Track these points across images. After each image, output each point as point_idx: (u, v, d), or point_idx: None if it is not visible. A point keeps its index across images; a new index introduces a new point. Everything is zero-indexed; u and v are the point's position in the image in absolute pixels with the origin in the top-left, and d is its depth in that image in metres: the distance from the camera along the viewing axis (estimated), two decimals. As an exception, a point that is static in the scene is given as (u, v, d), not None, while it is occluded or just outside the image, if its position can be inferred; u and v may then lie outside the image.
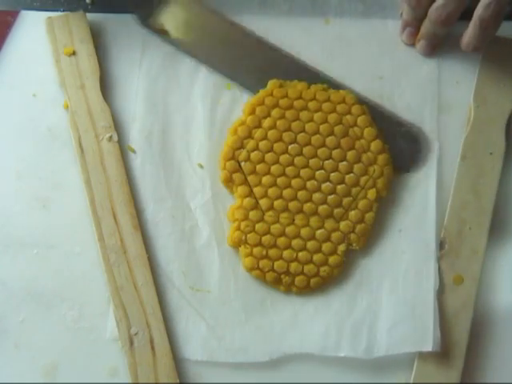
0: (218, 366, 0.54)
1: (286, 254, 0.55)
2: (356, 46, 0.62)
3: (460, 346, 0.54)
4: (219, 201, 0.57)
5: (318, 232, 0.55)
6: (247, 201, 0.56)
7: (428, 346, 0.53)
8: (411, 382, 0.53)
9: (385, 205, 0.57)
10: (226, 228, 0.56)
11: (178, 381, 0.52)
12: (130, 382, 0.52)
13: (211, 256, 0.56)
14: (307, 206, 0.56)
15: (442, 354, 0.53)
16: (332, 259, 0.55)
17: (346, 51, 0.62)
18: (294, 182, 0.56)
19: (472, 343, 0.54)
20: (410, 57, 0.61)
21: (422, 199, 0.57)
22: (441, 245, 0.56)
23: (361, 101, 0.58)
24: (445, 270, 0.56)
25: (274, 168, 0.56)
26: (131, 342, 0.53)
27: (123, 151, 0.58)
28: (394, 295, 0.55)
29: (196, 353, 0.54)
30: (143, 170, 0.58)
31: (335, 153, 0.56)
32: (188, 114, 0.60)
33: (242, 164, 0.56)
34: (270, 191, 0.56)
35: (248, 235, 0.55)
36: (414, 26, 0.60)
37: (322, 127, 0.57)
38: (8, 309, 0.54)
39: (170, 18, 0.62)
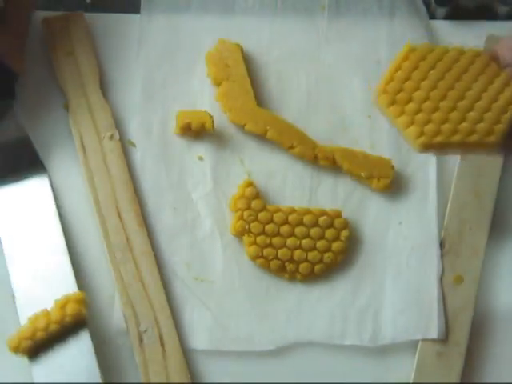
0: (224, 356, 0.54)
1: (290, 241, 0.55)
2: (352, 30, 0.62)
3: (460, 345, 0.54)
4: (220, 191, 0.57)
5: (321, 219, 0.56)
6: (249, 190, 0.56)
7: (433, 334, 0.54)
8: (411, 381, 0.53)
9: (385, 200, 0.58)
10: (228, 218, 0.57)
11: (188, 376, 0.53)
12: (141, 378, 0.52)
13: (214, 246, 0.56)
14: None
15: (442, 353, 0.54)
16: (335, 245, 0.55)
17: (342, 36, 0.62)
18: None
19: (472, 343, 0.54)
20: (405, 41, 0.61)
21: (423, 191, 0.58)
22: (441, 245, 0.56)
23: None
24: (445, 269, 0.56)
25: None
26: (141, 339, 0.53)
27: (124, 148, 0.58)
28: (397, 283, 0.56)
29: (202, 343, 0.54)
30: (144, 163, 0.58)
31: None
32: (186, 106, 0.60)
33: None
34: None
35: (251, 224, 0.55)
36: None
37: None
38: (8, 308, 0.54)
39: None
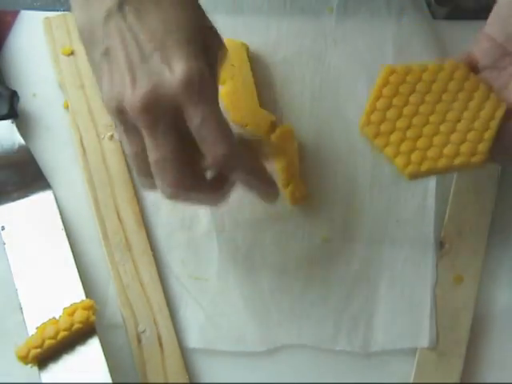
0: (215, 355, 0.54)
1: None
2: (359, 32, 0.62)
3: (460, 345, 0.54)
4: None
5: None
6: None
7: (424, 342, 0.53)
8: (411, 381, 0.53)
9: (385, 200, 0.58)
10: (225, 216, 0.56)
11: (187, 377, 0.53)
12: (139, 379, 0.52)
13: (210, 244, 0.56)
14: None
15: (442, 353, 0.54)
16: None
17: (349, 38, 0.62)
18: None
19: (472, 343, 0.54)
20: (412, 43, 0.62)
21: (423, 191, 0.58)
22: (441, 245, 0.56)
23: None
24: (445, 269, 0.56)
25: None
26: (139, 340, 0.53)
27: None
28: (391, 290, 0.55)
29: (193, 340, 0.54)
30: None
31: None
32: None
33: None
34: None
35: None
36: None
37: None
38: (8, 308, 0.54)
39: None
